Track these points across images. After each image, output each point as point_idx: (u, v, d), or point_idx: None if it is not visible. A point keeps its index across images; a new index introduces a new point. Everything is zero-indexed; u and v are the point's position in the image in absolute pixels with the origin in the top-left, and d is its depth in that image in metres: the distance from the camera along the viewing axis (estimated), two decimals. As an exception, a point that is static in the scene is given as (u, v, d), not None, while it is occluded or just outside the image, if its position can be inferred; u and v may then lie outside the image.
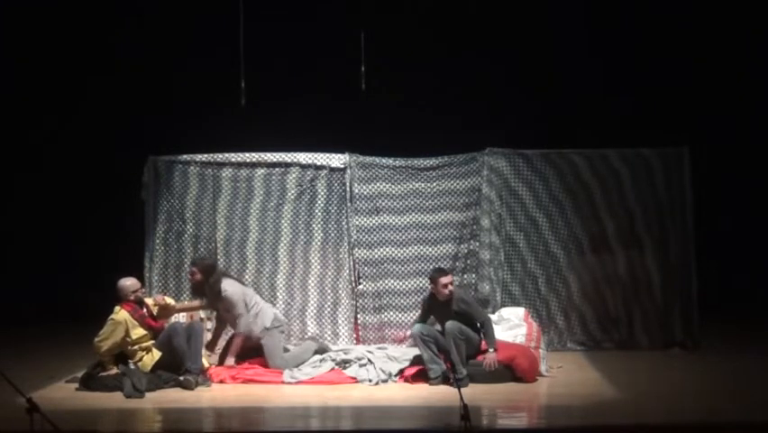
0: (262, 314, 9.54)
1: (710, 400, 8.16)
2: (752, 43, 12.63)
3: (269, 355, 9.44)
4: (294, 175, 10.88)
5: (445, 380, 8.79)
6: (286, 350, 9.69)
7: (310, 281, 10.78)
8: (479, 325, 8.96)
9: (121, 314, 8.94)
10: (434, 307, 9.13)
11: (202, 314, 9.95)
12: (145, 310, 9.11)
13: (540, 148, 11.03)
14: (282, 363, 9.42)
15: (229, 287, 9.47)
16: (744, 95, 12.79)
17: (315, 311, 10.75)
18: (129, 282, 9.11)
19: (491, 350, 8.82)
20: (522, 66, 12.73)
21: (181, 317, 9.81)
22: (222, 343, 9.91)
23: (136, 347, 8.96)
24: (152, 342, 9.03)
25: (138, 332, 8.95)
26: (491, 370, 8.79)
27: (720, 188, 12.67)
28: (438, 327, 9.14)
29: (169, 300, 9.49)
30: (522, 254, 10.94)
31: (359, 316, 10.74)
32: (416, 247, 10.83)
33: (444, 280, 9.03)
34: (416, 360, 9.15)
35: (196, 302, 9.73)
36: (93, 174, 13.25)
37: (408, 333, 9.73)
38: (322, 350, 9.75)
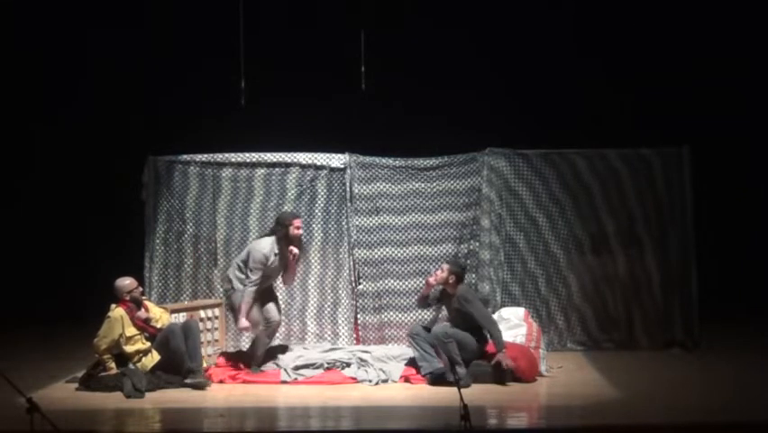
0: None
1: (710, 400, 8.16)
2: (752, 43, 12.62)
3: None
4: (294, 175, 10.88)
5: (440, 378, 8.78)
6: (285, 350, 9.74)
7: (310, 281, 10.77)
8: (484, 330, 8.94)
9: (117, 311, 8.96)
10: (445, 295, 9.20)
11: (202, 313, 9.95)
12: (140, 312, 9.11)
13: (540, 148, 11.03)
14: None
15: None
16: (744, 94, 12.78)
17: (315, 311, 10.74)
18: (126, 282, 9.13)
19: (501, 352, 8.77)
20: (522, 66, 12.73)
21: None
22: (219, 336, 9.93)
23: (130, 348, 8.95)
24: (148, 344, 9.02)
25: (131, 330, 8.95)
26: (509, 368, 8.77)
27: (720, 188, 12.66)
28: (446, 312, 9.30)
29: (155, 323, 9.11)
30: (522, 254, 10.94)
31: (359, 316, 10.74)
32: (416, 247, 10.83)
33: (439, 271, 9.13)
34: (412, 361, 9.18)
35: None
36: (93, 174, 13.24)
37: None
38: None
